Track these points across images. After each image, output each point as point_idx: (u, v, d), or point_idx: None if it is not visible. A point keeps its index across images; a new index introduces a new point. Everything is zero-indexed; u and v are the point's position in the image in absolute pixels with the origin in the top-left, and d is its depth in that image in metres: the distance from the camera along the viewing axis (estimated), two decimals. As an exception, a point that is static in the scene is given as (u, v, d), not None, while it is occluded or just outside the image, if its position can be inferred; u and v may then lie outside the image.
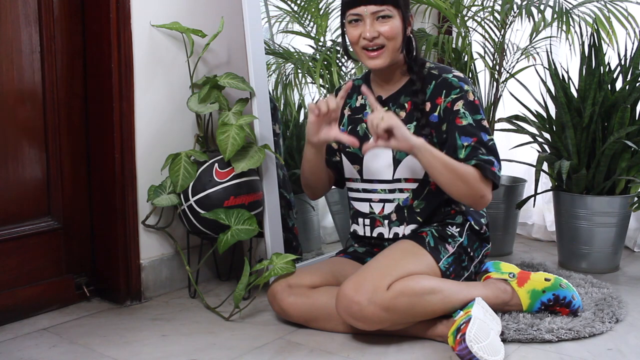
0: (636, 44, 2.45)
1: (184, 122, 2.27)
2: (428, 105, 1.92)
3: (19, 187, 2.04)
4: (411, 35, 1.95)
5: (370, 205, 2.02)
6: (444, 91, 1.89)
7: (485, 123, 1.89)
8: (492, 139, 1.90)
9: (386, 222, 2.01)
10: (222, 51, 2.36)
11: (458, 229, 1.95)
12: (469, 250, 1.96)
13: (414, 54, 1.94)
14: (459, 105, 1.88)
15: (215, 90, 2.16)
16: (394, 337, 1.88)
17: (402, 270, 1.81)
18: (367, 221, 2.04)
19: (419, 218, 1.97)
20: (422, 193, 1.96)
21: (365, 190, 2.03)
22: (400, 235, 1.99)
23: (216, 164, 2.11)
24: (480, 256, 2.01)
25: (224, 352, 1.82)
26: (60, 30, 2.08)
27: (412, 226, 1.98)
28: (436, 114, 1.91)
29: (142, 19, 2.12)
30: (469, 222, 1.97)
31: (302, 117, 2.68)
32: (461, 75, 1.92)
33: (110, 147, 2.11)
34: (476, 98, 1.89)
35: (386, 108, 1.97)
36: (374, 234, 2.04)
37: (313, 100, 2.72)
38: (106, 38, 2.07)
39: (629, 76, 2.46)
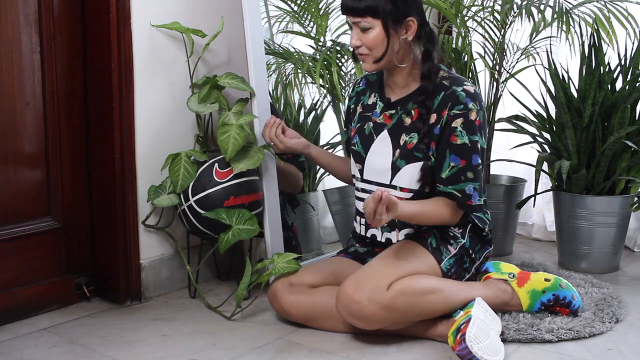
0: (636, 44, 2.45)
1: (184, 122, 2.27)
2: (434, 117, 1.89)
3: (19, 187, 2.04)
4: (419, 41, 1.90)
5: None
6: (450, 104, 1.86)
7: (479, 145, 1.86)
8: (481, 164, 1.87)
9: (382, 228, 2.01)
10: (222, 51, 2.36)
11: (460, 230, 1.95)
12: (470, 252, 1.96)
13: (430, 60, 1.90)
14: (457, 123, 1.85)
15: (215, 90, 2.16)
16: (394, 337, 1.88)
17: (402, 270, 1.81)
18: (363, 221, 2.05)
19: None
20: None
21: (364, 190, 2.03)
22: (394, 241, 1.99)
23: (216, 164, 2.11)
24: (481, 258, 2.01)
25: (224, 352, 1.82)
26: (60, 30, 2.08)
27: (406, 230, 1.98)
28: (439, 126, 1.88)
29: (142, 19, 2.12)
30: (471, 224, 1.97)
31: (302, 117, 2.68)
32: (471, 90, 1.87)
33: (110, 147, 2.11)
34: (478, 118, 1.85)
35: (392, 111, 1.97)
36: (368, 235, 2.05)
37: (313, 100, 2.72)
38: (106, 38, 2.07)
39: (629, 76, 2.46)
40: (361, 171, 2.03)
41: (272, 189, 2.21)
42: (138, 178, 2.16)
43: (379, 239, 2.02)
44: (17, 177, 2.03)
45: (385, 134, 1.97)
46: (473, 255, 1.97)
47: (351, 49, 1.97)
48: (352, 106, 2.12)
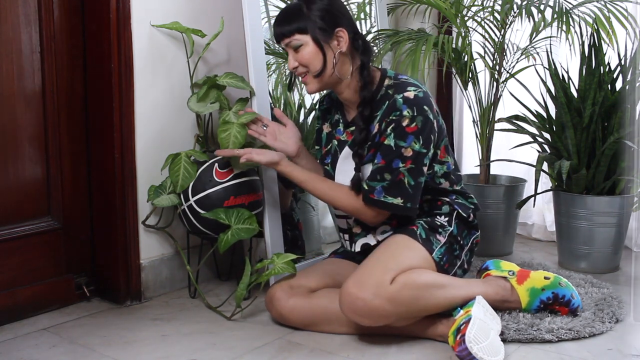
0: (636, 43, 2.45)
1: (184, 122, 2.27)
2: (377, 126, 1.90)
3: (19, 187, 2.04)
4: (356, 54, 1.92)
5: (347, 222, 2.05)
6: (390, 112, 1.88)
7: (407, 152, 1.85)
8: (403, 168, 1.85)
9: (350, 235, 2.05)
10: (222, 51, 2.36)
11: (447, 219, 1.97)
12: (458, 238, 1.97)
13: (365, 71, 1.91)
14: (389, 126, 1.87)
15: (215, 90, 2.16)
16: (394, 338, 1.88)
17: (401, 264, 1.82)
18: (347, 236, 2.07)
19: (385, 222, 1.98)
20: None
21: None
22: (373, 244, 2.00)
23: (216, 164, 2.11)
24: (469, 244, 2.02)
25: (224, 352, 1.82)
26: (60, 30, 2.08)
27: (384, 227, 1.99)
28: (379, 134, 1.90)
29: (142, 19, 2.12)
30: (456, 211, 1.98)
31: (302, 117, 2.68)
32: (411, 95, 1.85)
33: (110, 147, 2.11)
34: (413, 124, 1.84)
35: (352, 128, 1.98)
36: (352, 249, 2.07)
37: (313, 100, 2.72)
38: (106, 38, 2.07)
39: (629, 76, 2.46)
40: None
41: (272, 189, 2.21)
42: (138, 178, 2.16)
43: (356, 249, 2.04)
44: (17, 177, 2.03)
45: (347, 150, 2.00)
46: (461, 242, 1.98)
47: (289, 74, 2.00)
48: (319, 126, 2.14)
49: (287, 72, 2.48)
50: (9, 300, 2.00)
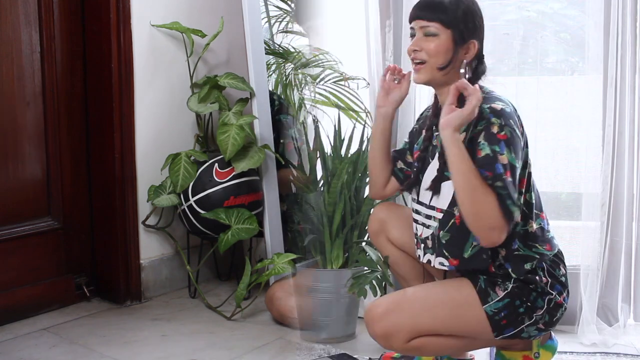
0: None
1: (184, 122, 2.27)
2: (463, 135, 1.73)
3: (19, 187, 2.04)
4: (469, 66, 1.87)
5: (415, 227, 1.96)
6: (477, 122, 1.71)
7: (503, 160, 1.66)
8: (504, 174, 1.65)
9: (422, 245, 1.88)
10: (222, 51, 2.36)
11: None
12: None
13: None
14: (480, 137, 1.71)
15: (215, 90, 2.16)
16: (394, 337, 1.87)
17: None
18: (414, 241, 2.00)
19: (445, 251, 1.79)
20: (447, 223, 1.79)
21: (415, 212, 1.96)
22: (432, 265, 1.92)
23: (216, 164, 2.12)
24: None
25: (224, 352, 1.82)
26: (60, 30, 2.08)
27: (440, 259, 1.81)
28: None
29: (142, 19, 2.13)
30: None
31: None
32: (498, 107, 1.72)
33: (110, 147, 2.11)
34: (504, 133, 1.67)
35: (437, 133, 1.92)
36: (417, 255, 1.93)
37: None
38: (106, 38, 2.07)
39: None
40: (417, 192, 1.90)
41: (272, 189, 2.21)
42: (138, 178, 2.16)
43: (421, 259, 1.96)
44: (17, 177, 2.03)
45: (437, 155, 1.89)
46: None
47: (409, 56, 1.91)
48: (417, 127, 2.04)
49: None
50: (9, 300, 2.00)
